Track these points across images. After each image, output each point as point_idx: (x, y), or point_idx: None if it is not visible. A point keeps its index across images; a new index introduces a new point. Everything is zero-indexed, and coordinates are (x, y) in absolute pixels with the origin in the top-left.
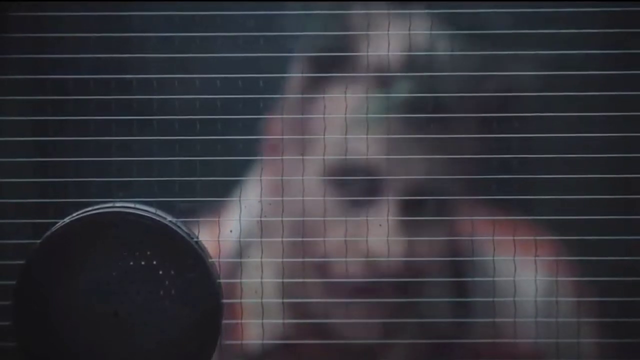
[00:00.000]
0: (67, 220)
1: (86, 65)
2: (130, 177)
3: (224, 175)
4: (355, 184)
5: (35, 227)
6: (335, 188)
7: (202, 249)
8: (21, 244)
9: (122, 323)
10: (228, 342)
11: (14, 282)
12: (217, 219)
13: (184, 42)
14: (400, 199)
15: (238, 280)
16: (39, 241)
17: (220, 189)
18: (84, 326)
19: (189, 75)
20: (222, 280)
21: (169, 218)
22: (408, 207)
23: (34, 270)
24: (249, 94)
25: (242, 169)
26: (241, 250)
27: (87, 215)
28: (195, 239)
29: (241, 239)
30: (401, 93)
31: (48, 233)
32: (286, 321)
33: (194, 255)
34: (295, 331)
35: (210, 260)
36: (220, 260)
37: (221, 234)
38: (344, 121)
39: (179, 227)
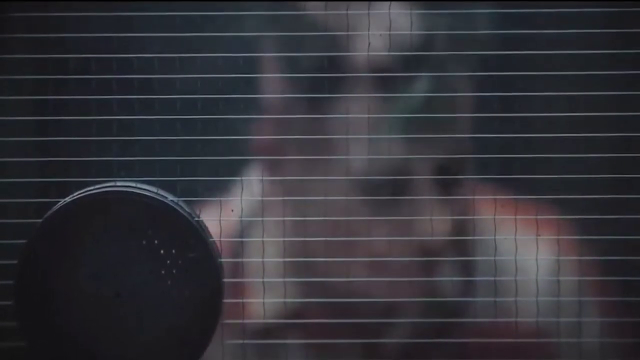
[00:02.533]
0: (68, 199)
1: (88, 44)
2: (132, 157)
3: (226, 154)
4: (382, 185)
5: (36, 207)
6: (361, 191)
7: (203, 228)
8: (22, 223)
9: (123, 303)
10: (229, 321)
11: (15, 262)
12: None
13: (185, 20)
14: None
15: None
16: (40, 221)
17: (222, 168)
18: (85, 306)
19: (190, 55)
20: (223, 260)
21: (170, 198)
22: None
23: (35, 250)
24: (250, 74)
25: (244, 148)
26: (243, 229)
27: (89, 195)
28: (196, 219)
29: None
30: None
31: (49, 213)
32: (288, 300)
33: (195, 235)
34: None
35: (211, 240)
36: (222, 239)
37: (223, 213)
38: (360, 123)
39: (180, 206)
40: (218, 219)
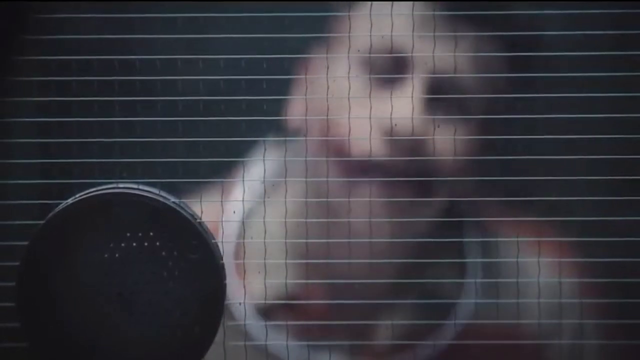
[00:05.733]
0: (70, 201)
1: (90, 46)
2: (134, 158)
3: (227, 155)
4: (383, 64)
5: (38, 208)
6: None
7: (205, 230)
8: (25, 224)
9: (125, 304)
10: (231, 323)
11: (17, 263)
12: (220, 200)
13: (188, 22)
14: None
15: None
16: (42, 222)
17: (223, 169)
18: (87, 306)
19: (192, 56)
20: (224, 261)
21: (172, 199)
22: (433, 88)
23: (38, 251)
24: (251, 75)
25: (245, 149)
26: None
27: (91, 196)
28: (198, 220)
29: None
30: None
31: (51, 214)
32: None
33: (197, 236)
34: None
35: (213, 241)
36: (224, 241)
37: (224, 214)
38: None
39: (182, 208)
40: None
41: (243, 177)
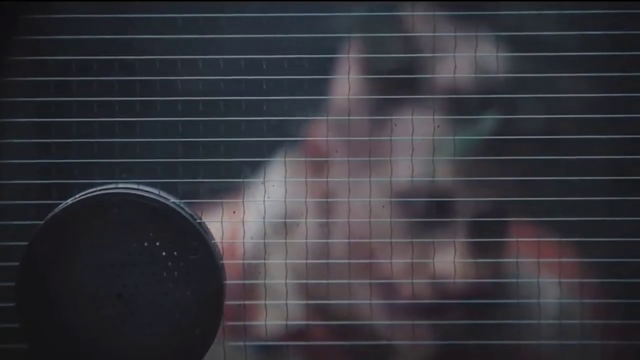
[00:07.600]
0: (70, 201)
1: (89, 46)
2: (134, 159)
3: (227, 156)
4: (422, 207)
5: (38, 209)
6: (401, 210)
7: (205, 230)
8: (24, 225)
9: (125, 304)
10: (231, 323)
11: (17, 263)
12: (220, 201)
13: (187, 22)
14: (469, 222)
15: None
16: (41, 222)
17: (223, 170)
18: (87, 307)
19: (192, 57)
20: (224, 262)
21: (172, 199)
22: (476, 230)
23: (37, 252)
24: (252, 75)
25: (245, 150)
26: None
27: (90, 197)
28: (198, 221)
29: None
30: (475, 128)
31: (51, 214)
32: (289, 301)
33: (197, 236)
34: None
35: (212, 242)
36: (223, 242)
37: (224, 215)
38: (409, 144)
39: (182, 208)
40: (220, 221)
41: (244, 179)
